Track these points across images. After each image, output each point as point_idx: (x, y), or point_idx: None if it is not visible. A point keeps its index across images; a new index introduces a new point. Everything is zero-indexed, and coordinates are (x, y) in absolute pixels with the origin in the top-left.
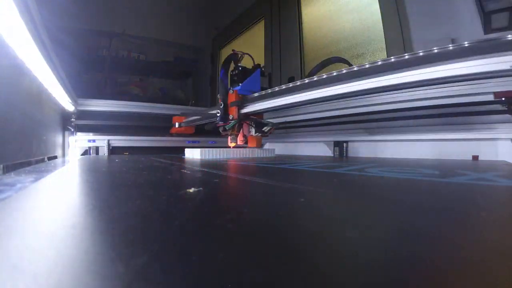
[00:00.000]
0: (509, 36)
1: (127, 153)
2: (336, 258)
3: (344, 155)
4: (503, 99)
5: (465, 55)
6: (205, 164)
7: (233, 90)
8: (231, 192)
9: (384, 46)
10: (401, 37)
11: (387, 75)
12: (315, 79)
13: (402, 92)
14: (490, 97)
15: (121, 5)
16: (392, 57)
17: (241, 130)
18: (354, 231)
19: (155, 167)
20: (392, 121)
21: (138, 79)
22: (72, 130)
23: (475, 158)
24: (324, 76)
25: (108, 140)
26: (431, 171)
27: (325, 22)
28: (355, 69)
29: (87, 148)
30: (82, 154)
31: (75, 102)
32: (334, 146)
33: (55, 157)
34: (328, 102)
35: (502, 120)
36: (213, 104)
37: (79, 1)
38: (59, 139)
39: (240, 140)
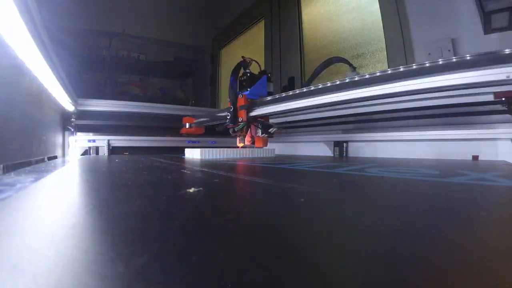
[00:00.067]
0: (507, 50)
1: (127, 153)
2: (335, 258)
3: (344, 155)
4: (503, 99)
5: (467, 66)
6: (205, 164)
7: (242, 95)
8: (231, 192)
9: (384, 46)
10: (401, 37)
11: (388, 83)
12: (320, 86)
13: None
14: (490, 97)
15: (121, 5)
16: (397, 67)
17: (249, 131)
18: (354, 231)
19: (155, 167)
20: (392, 121)
21: (138, 79)
22: (72, 130)
23: (475, 158)
24: (329, 84)
25: (108, 140)
26: (431, 171)
27: (325, 22)
28: (356, 78)
29: (87, 148)
30: (82, 154)
31: (75, 102)
32: (334, 146)
33: (55, 157)
34: (329, 107)
35: (502, 120)
36: (213, 104)
37: (79, 1)
38: (59, 139)
39: (247, 140)
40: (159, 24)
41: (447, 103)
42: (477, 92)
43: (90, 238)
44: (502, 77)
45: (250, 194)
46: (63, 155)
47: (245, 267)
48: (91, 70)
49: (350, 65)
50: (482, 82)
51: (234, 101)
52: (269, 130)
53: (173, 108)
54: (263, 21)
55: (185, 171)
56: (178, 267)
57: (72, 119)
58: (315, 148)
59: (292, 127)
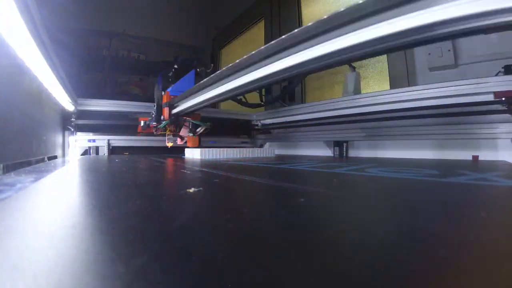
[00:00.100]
0: None
1: (127, 153)
2: (335, 258)
3: (344, 155)
4: (503, 99)
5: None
6: (205, 164)
7: (165, 91)
8: (231, 192)
9: None
10: None
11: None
12: (229, 65)
13: (402, 92)
14: (490, 97)
15: (121, 5)
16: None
17: (181, 131)
18: (354, 231)
19: (155, 167)
20: (392, 121)
21: (138, 79)
22: (72, 130)
23: (475, 158)
24: (237, 61)
25: (108, 140)
26: (431, 171)
27: None
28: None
29: (87, 148)
30: (82, 154)
31: (75, 102)
32: (334, 146)
33: (55, 157)
34: (247, 87)
35: (502, 120)
36: (212, 104)
37: (79, 1)
38: (59, 139)
39: (179, 140)
40: (159, 24)
41: (447, 103)
42: (477, 92)
43: (90, 238)
44: None
45: (250, 194)
46: (63, 155)
47: (245, 267)
48: (91, 70)
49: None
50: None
51: (158, 99)
52: (197, 130)
53: None
54: (263, 21)
55: (185, 171)
56: (178, 267)
57: (72, 119)
58: (315, 148)
59: (292, 127)
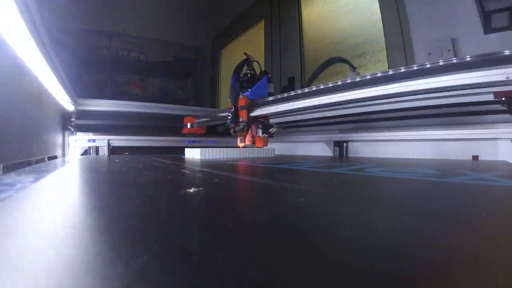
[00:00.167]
0: (506, 52)
1: (127, 153)
2: (335, 258)
3: (344, 155)
4: (503, 99)
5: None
6: (205, 164)
7: (243, 95)
8: (231, 192)
9: (384, 46)
10: (401, 37)
11: (389, 84)
12: (321, 87)
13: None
14: (490, 97)
15: (121, 5)
16: (399, 68)
17: (250, 131)
18: (353, 231)
19: (155, 167)
20: (392, 121)
21: (138, 79)
22: (72, 130)
23: (475, 158)
24: (330, 85)
25: (108, 140)
26: (431, 171)
27: (325, 22)
28: (357, 79)
29: (87, 148)
30: (82, 154)
31: (75, 102)
32: (334, 146)
33: (55, 157)
34: (329, 107)
35: (502, 120)
36: (213, 104)
37: (79, 1)
38: (59, 139)
39: (248, 140)
40: (159, 24)
41: (447, 102)
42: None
43: (90, 238)
44: (502, 78)
45: (250, 194)
46: (63, 155)
47: (245, 267)
48: (91, 70)
49: (350, 65)
50: (482, 83)
51: (235, 102)
52: (269, 130)
53: (173, 108)
54: (263, 21)
55: (185, 171)
56: (178, 267)
57: (72, 119)
58: (315, 148)
59: (292, 126)
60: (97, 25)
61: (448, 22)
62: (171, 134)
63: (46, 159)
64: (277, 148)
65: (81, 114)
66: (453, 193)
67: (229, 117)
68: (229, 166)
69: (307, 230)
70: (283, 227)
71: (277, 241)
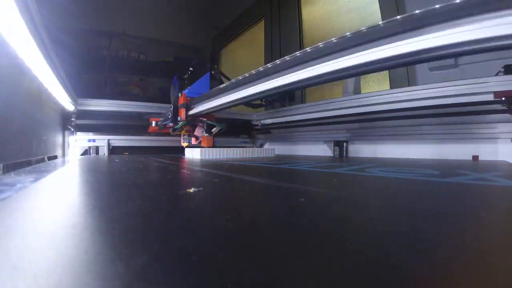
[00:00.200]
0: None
1: (127, 153)
2: (334, 258)
3: (344, 155)
4: (503, 98)
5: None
6: (205, 164)
7: (181, 93)
8: (230, 192)
9: None
10: None
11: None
12: (246, 75)
13: (402, 92)
14: (490, 97)
15: (121, 5)
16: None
17: (196, 131)
18: (353, 231)
19: (155, 167)
20: (392, 121)
21: (138, 79)
22: (72, 129)
23: (475, 158)
24: (261, 69)
25: (108, 140)
26: (431, 171)
27: (325, 22)
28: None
29: (87, 148)
30: (82, 154)
31: (75, 102)
32: (334, 146)
33: (55, 157)
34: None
35: (502, 119)
36: None
37: (79, 1)
38: (59, 138)
39: (194, 140)
40: (159, 24)
41: (447, 102)
42: (477, 92)
43: (90, 238)
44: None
45: (250, 194)
46: (63, 154)
47: (245, 267)
48: (91, 70)
49: None
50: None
51: (175, 100)
52: (212, 130)
53: None
54: (263, 21)
55: (185, 171)
56: (178, 267)
57: (72, 119)
58: (315, 147)
59: (292, 127)
60: (97, 25)
61: None
62: (171, 134)
63: (46, 159)
64: (277, 148)
65: (81, 114)
66: (453, 193)
67: (169, 116)
68: (229, 166)
69: (307, 230)
70: (283, 227)
71: (277, 241)
